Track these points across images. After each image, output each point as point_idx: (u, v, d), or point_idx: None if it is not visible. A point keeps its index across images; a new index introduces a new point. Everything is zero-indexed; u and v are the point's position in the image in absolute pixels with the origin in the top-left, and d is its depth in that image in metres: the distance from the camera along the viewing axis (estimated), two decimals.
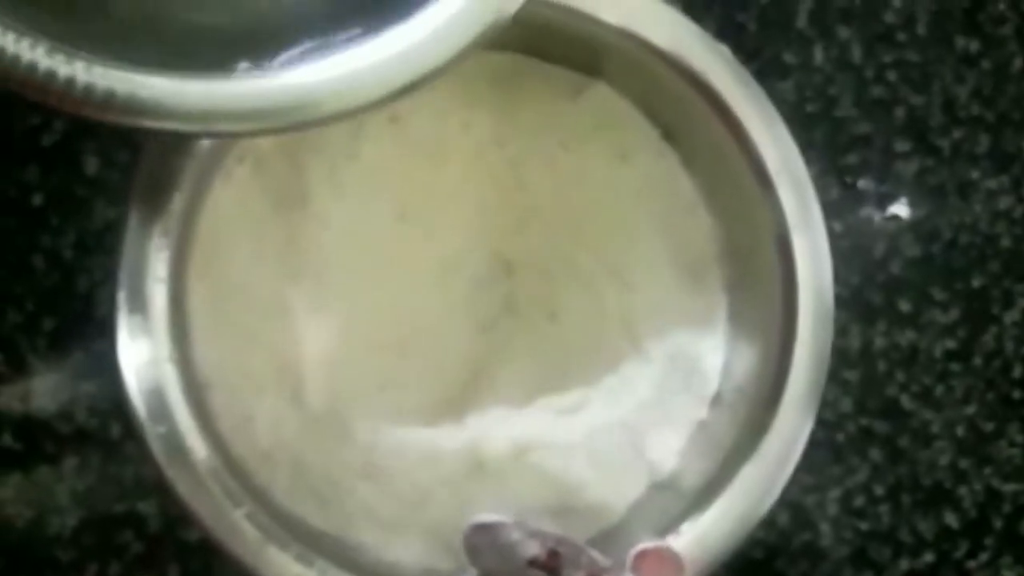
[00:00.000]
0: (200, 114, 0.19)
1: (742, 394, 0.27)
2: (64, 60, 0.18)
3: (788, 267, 0.25)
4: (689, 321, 0.28)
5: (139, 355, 0.23)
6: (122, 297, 0.23)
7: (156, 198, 0.24)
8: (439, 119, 0.27)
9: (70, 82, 0.18)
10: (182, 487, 0.23)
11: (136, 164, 0.24)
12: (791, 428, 0.25)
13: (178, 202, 0.24)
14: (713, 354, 0.28)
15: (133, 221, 0.24)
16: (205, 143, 0.24)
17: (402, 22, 0.19)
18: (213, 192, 0.26)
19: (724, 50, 0.25)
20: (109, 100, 0.18)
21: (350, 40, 0.19)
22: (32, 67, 0.18)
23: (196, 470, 0.23)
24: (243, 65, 0.19)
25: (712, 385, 0.28)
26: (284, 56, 0.19)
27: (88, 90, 0.18)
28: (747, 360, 0.27)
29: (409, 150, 0.27)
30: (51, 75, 0.18)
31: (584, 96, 0.28)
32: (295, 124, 0.19)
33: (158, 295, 0.23)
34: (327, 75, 0.19)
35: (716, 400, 0.28)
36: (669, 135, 0.28)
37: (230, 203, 0.26)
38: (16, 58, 0.18)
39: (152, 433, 0.23)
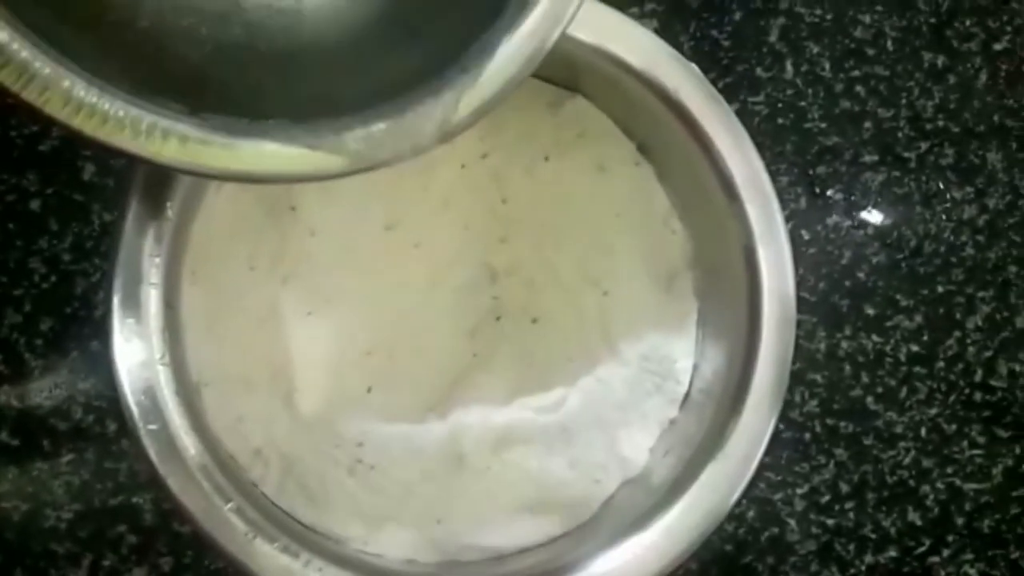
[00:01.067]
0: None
1: (710, 395, 0.28)
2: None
3: (754, 276, 0.26)
4: (662, 326, 0.29)
5: (133, 356, 0.24)
6: (117, 301, 0.24)
7: (151, 204, 0.25)
8: None
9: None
10: (173, 483, 0.24)
11: (131, 171, 0.25)
12: (755, 427, 0.26)
13: (172, 209, 0.24)
14: (684, 357, 0.29)
15: (128, 227, 0.25)
16: None
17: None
18: (206, 199, 0.27)
19: (695, 69, 0.26)
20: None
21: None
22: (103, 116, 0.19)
23: (186, 467, 0.24)
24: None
25: (683, 387, 0.29)
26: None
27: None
28: (715, 363, 0.28)
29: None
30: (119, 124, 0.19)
31: (564, 110, 0.29)
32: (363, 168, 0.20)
33: (152, 299, 0.24)
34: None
35: (686, 401, 0.29)
36: (644, 149, 0.30)
37: (223, 210, 0.27)
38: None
39: (144, 431, 0.24)
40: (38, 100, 0.19)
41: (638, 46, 0.26)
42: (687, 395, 0.29)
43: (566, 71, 0.28)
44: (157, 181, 0.25)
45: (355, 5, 0.23)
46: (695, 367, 0.29)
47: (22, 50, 0.19)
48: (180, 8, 0.22)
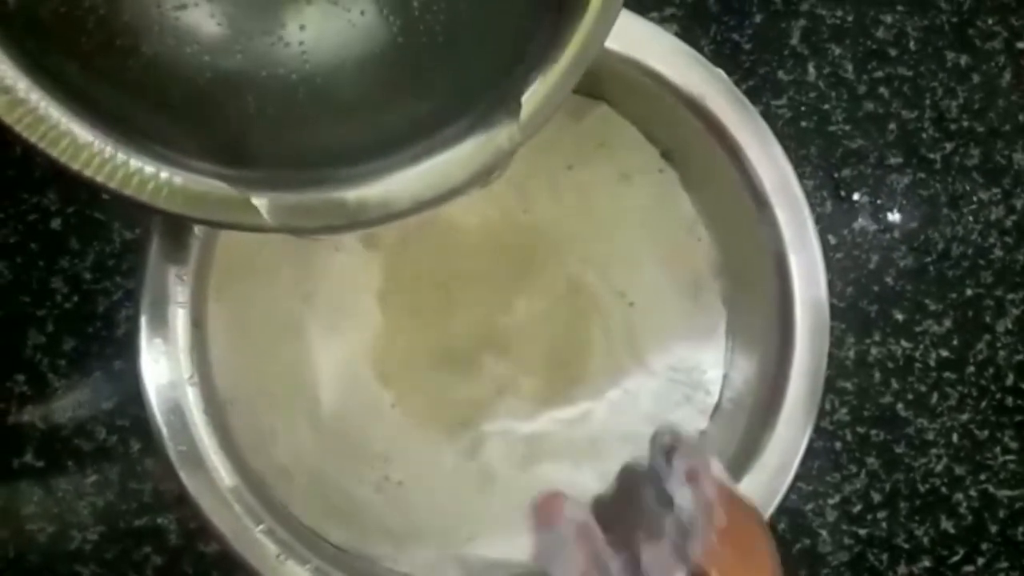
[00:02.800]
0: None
1: (740, 405, 0.27)
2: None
3: (785, 284, 0.26)
4: (690, 336, 0.29)
5: (161, 377, 0.24)
6: (144, 321, 0.24)
7: (177, 224, 0.25)
8: None
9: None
10: (204, 504, 0.23)
11: None
12: (790, 438, 0.26)
13: (198, 228, 0.24)
14: (713, 367, 0.28)
15: (154, 247, 0.24)
16: None
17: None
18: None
19: (721, 75, 0.26)
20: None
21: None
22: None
23: (217, 488, 0.24)
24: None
25: (712, 397, 0.29)
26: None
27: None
28: (746, 373, 0.28)
29: None
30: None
31: (586, 118, 0.29)
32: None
33: (179, 319, 0.24)
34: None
35: (716, 411, 0.29)
36: (668, 156, 0.29)
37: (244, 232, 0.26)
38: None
39: (174, 452, 0.23)
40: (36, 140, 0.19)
41: (663, 52, 0.26)
42: (717, 406, 0.29)
43: (590, 79, 0.28)
44: None
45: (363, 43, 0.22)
46: (725, 377, 0.28)
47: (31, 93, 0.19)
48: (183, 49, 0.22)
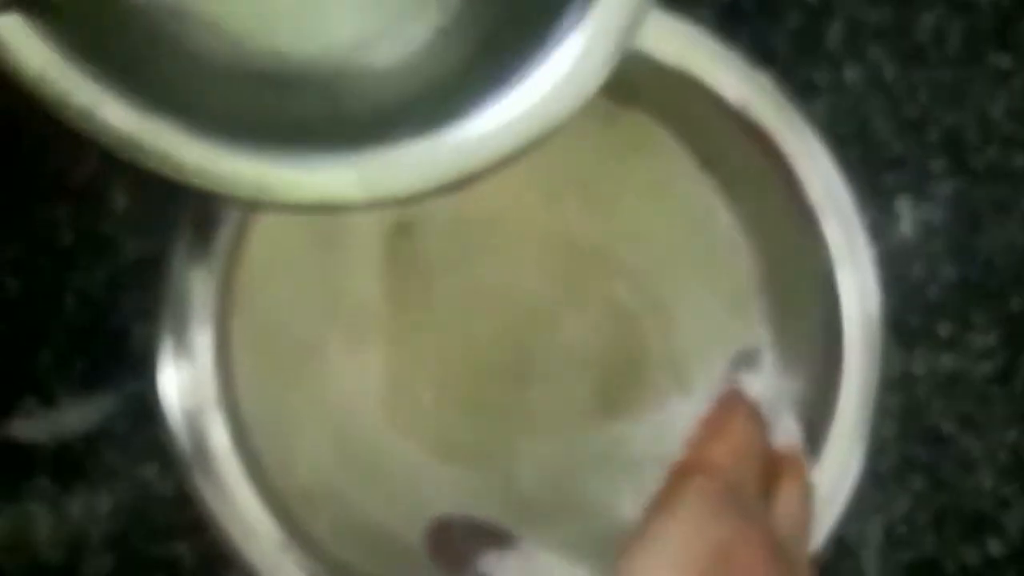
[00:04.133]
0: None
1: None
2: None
3: (832, 302, 0.25)
4: (731, 356, 0.27)
5: (183, 396, 0.23)
6: (166, 338, 0.23)
7: (200, 241, 0.24)
8: None
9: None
10: (228, 528, 0.22)
11: (179, 205, 0.24)
12: (839, 462, 0.25)
13: (222, 242, 0.23)
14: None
15: (177, 262, 0.24)
16: None
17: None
18: (254, 232, 0.25)
19: (765, 80, 0.25)
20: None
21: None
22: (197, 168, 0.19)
23: (239, 511, 0.23)
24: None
25: None
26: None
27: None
28: (792, 395, 0.26)
29: None
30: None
31: (622, 125, 0.28)
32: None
33: (202, 336, 0.23)
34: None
35: None
36: (707, 164, 0.28)
37: (269, 244, 0.26)
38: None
39: (194, 472, 0.23)
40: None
41: (704, 56, 0.24)
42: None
43: (624, 83, 0.27)
44: (206, 216, 0.24)
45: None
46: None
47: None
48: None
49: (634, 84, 0.27)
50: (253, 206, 0.21)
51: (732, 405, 0.24)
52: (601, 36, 0.19)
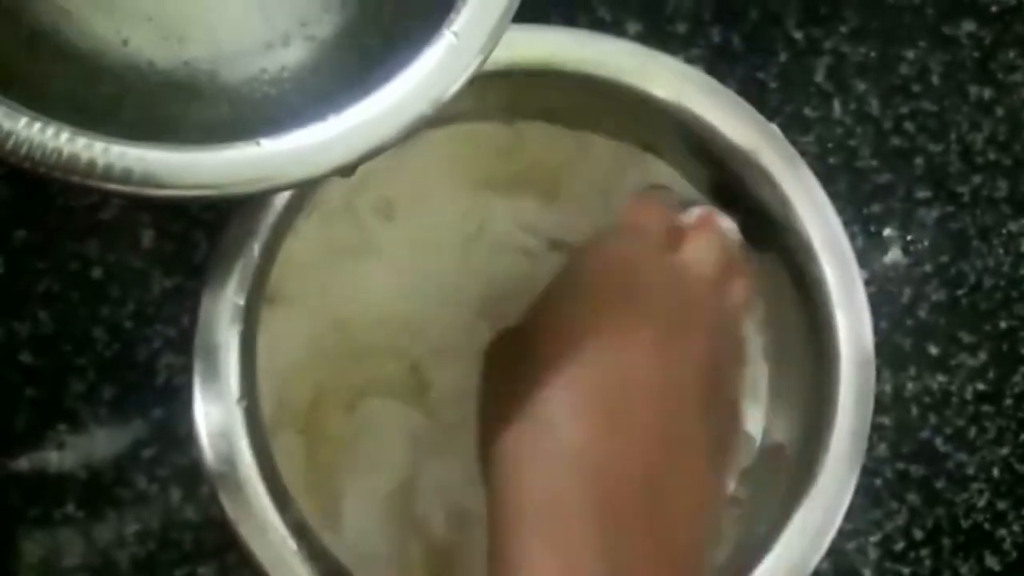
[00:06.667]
0: (208, 183, 0.20)
1: (778, 467, 0.27)
2: (85, 145, 0.20)
3: (830, 342, 0.26)
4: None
5: (212, 425, 0.24)
6: (197, 370, 0.24)
7: (235, 251, 0.25)
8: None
9: (91, 164, 0.20)
10: (259, 552, 0.23)
11: (194, 236, 0.25)
12: (831, 496, 0.25)
13: (256, 252, 0.25)
14: (752, 425, 0.28)
15: (205, 294, 0.25)
16: (281, 199, 0.26)
17: (359, 102, 0.21)
18: (284, 247, 0.27)
19: (774, 129, 0.26)
20: (128, 177, 0.20)
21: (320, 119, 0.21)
22: (57, 153, 0.19)
23: (270, 536, 0.23)
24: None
25: (748, 456, 0.28)
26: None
27: (108, 169, 0.20)
28: (786, 431, 0.27)
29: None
30: (74, 158, 0.20)
31: (632, 168, 0.29)
32: (281, 186, 0.21)
33: (230, 365, 0.24)
34: (303, 145, 0.21)
35: (749, 471, 0.28)
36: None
37: (294, 273, 0.27)
38: (43, 145, 0.19)
39: (227, 501, 0.24)
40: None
41: (717, 104, 0.26)
42: (755, 463, 0.28)
43: (636, 127, 0.28)
44: (232, 248, 0.25)
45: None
46: (764, 433, 0.28)
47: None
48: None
49: (647, 129, 0.28)
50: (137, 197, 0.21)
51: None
52: (475, 27, 0.21)
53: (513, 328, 0.25)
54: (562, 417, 0.20)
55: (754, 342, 0.28)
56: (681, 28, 0.34)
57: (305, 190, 0.27)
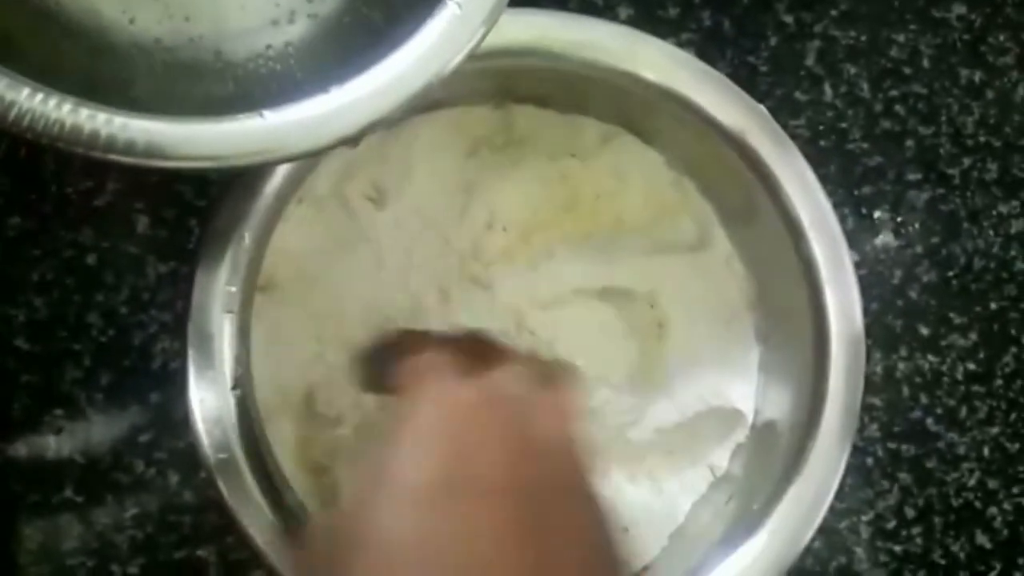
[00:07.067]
0: (210, 154, 0.21)
1: (772, 442, 0.27)
2: (88, 116, 0.20)
3: (821, 320, 0.26)
4: (722, 369, 0.29)
5: (207, 409, 0.24)
6: (191, 355, 0.24)
7: (227, 239, 0.25)
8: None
9: (94, 135, 0.20)
10: (251, 531, 0.24)
11: (187, 223, 0.25)
12: (822, 476, 0.26)
13: (247, 240, 0.25)
14: (744, 402, 0.28)
15: (199, 279, 0.25)
16: (272, 187, 0.26)
17: (362, 75, 0.21)
18: (275, 234, 0.27)
19: (762, 110, 0.26)
20: (131, 148, 0.20)
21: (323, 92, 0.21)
22: (60, 124, 0.20)
23: (264, 516, 0.24)
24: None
25: (742, 432, 0.29)
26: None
27: (111, 141, 0.20)
28: (778, 408, 0.27)
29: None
30: (77, 130, 0.20)
31: (619, 150, 0.29)
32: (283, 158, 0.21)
33: (224, 349, 0.24)
34: (306, 117, 0.21)
35: (745, 446, 0.29)
36: (705, 190, 0.29)
37: (289, 244, 0.27)
38: (45, 116, 0.20)
39: (223, 483, 0.24)
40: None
41: (705, 87, 0.26)
42: (745, 442, 0.29)
43: (625, 111, 0.28)
44: (225, 234, 0.25)
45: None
46: (756, 411, 0.28)
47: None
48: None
49: (636, 112, 0.28)
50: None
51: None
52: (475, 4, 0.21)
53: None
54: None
55: (745, 321, 0.29)
56: (672, 12, 0.34)
57: (299, 174, 0.27)
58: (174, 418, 0.30)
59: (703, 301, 0.29)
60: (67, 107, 0.19)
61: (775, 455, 0.27)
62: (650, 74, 0.25)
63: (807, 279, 0.26)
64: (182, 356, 0.25)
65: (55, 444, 0.30)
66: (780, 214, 0.26)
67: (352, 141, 0.21)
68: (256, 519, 0.24)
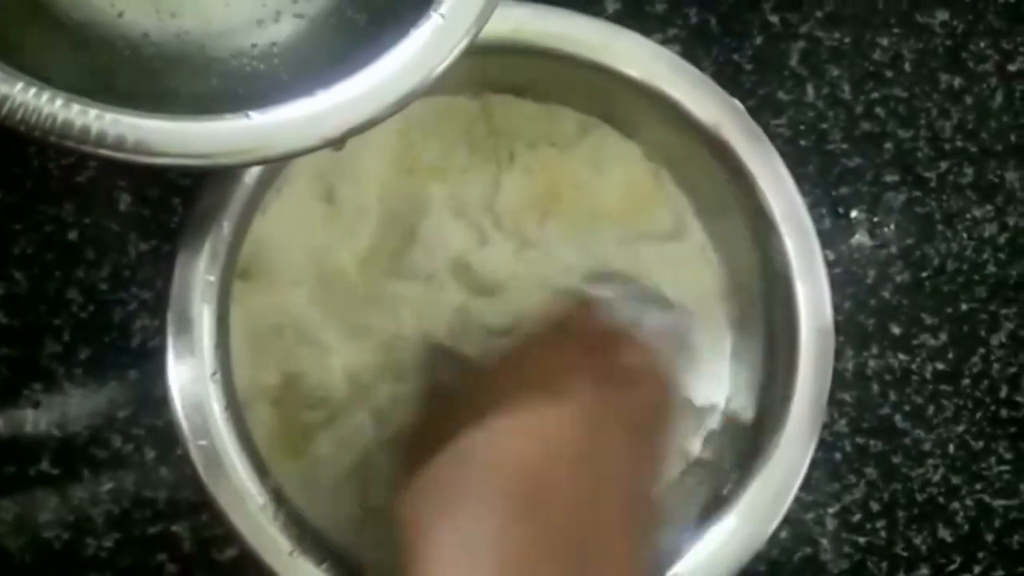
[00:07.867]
0: (198, 152, 0.21)
1: (741, 430, 0.28)
2: (79, 111, 0.20)
3: (791, 311, 0.26)
4: (694, 357, 0.29)
5: (185, 387, 0.25)
6: (170, 333, 0.25)
7: (206, 227, 0.25)
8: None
9: (84, 130, 0.20)
10: (222, 501, 0.24)
11: (170, 201, 0.25)
12: (790, 464, 0.26)
13: (227, 229, 0.25)
14: (717, 389, 0.29)
15: (180, 257, 0.25)
16: (251, 175, 0.26)
17: (347, 79, 0.22)
18: (255, 223, 0.27)
19: (736, 104, 0.27)
20: (120, 144, 0.20)
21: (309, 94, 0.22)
22: (52, 118, 0.20)
23: (237, 491, 0.24)
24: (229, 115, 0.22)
25: (713, 420, 0.29)
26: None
27: (101, 136, 0.20)
28: (748, 397, 0.28)
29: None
30: (68, 124, 0.20)
31: (595, 142, 0.29)
32: (270, 159, 0.22)
33: (204, 327, 0.25)
34: (291, 118, 0.22)
35: (715, 434, 0.29)
36: (681, 181, 0.30)
37: (269, 232, 0.27)
38: (38, 110, 0.20)
39: (196, 452, 0.24)
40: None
41: (680, 80, 0.26)
42: (716, 429, 0.29)
43: (601, 102, 0.28)
44: (207, 213, 0.25)
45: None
46: (728, 398, 0.29)
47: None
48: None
49: (612, 105, 0.29)
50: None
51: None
52: (462, 8, 0.22)
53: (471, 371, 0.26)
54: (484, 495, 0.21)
55: (719, 310, 0.29)
56: (659, 8, 0.34)
57: (281, 164, 0.27)
58: (152, 396, 0.30)
59: (677, 289, 0.29)
60: (59, 102, 0.20)
61: (745, 441, 0.27)
62: (625, 68, 0.26)
63: (778, 271, 0.26)
64: (162, 344, 0.25)
65: (32, 417, 0.30)
66: (752, 207, 0.26)
67: (337, 143, 0.21)
68: (237, 505, 0.24)
